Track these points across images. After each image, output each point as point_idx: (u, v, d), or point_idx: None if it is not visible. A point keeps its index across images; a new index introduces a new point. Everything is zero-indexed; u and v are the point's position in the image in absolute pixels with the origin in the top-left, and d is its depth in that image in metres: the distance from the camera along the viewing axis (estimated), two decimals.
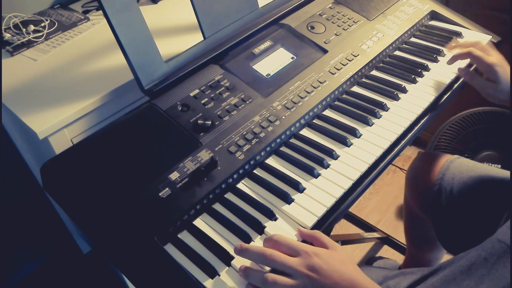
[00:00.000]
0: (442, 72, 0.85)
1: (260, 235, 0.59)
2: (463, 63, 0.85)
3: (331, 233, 1.37)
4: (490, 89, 0.79)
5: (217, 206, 0.63)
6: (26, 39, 0.94)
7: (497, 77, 0.77)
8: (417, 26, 0.97)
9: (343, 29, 0.89)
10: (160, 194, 0.59)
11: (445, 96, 0.82)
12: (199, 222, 0.60)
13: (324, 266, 0.50)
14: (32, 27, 0.97)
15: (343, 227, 1.52)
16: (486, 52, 0.80)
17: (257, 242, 0.57)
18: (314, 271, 0.50)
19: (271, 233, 0.58)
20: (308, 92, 0.76)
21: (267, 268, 0.54)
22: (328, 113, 0.78)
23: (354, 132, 0.72)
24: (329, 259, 0.51)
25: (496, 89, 0.78)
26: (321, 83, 0.78)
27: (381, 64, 0.88)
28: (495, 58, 0.79)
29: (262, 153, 0.68)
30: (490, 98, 0.81)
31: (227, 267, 0.55)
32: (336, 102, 0.80)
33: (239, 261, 0.55)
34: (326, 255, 0.52)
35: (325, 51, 0.84)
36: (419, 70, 0.85)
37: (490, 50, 0.80)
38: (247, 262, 0.55)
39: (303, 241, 0.57)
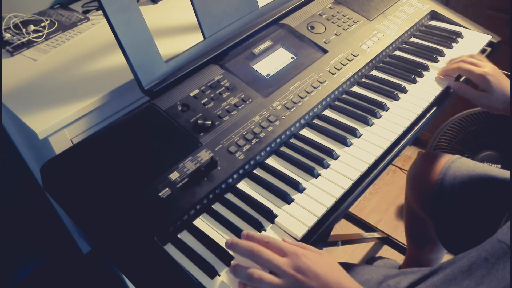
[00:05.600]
0: None
1: None
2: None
3: (331, 233, 1.37)
4: (484, 99, 0.79)
5: (217, 206, 0.63)
6: (26, 39, 0.94)
7: (489, 87, 0.77)
8: (417, 26, 0.97)
9: (343, 29, 0.89)
10: (160, 194, 0.59)
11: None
12: (199, 222, 0.60)
13: (312, 268, 0.50)
14: (32, 27, 0.97)
15: (343, 227, 1.52)
16: (477, 63, 0.80)
17: None
18: (301, 272, 0.49)
19: (271, 233, 0.59)
20: (308, 92, 0.76)
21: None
22: (328, 113, 0.78)
23: (354, 132, 0.72)
24: (317, 261, 0.51)
25: (490, 98, 0.78)
26: (321, 83, 0.78)
27: (381, 64, 0.88)
28: (487, 68, 0.79)
29: (262, 153, 0.68)
30: (486, 108, 0.82)
31: (227, 267, 0.55)
32: (336, 102, 0.80)
33: (238, 261, 0.55)
34: (314, 258, 0.51)
35: (325, 51, 0.84)
36: (419, 70, 0.85)
37: (481, 61, 0.80)
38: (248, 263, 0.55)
39: None
